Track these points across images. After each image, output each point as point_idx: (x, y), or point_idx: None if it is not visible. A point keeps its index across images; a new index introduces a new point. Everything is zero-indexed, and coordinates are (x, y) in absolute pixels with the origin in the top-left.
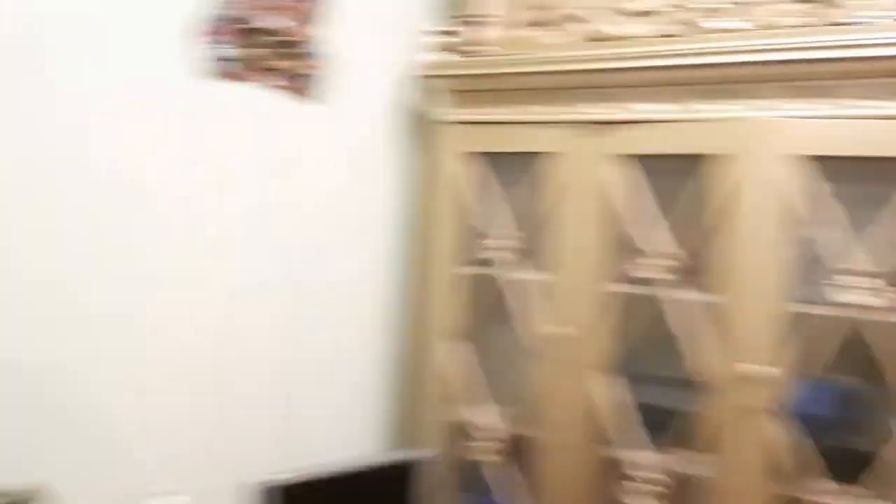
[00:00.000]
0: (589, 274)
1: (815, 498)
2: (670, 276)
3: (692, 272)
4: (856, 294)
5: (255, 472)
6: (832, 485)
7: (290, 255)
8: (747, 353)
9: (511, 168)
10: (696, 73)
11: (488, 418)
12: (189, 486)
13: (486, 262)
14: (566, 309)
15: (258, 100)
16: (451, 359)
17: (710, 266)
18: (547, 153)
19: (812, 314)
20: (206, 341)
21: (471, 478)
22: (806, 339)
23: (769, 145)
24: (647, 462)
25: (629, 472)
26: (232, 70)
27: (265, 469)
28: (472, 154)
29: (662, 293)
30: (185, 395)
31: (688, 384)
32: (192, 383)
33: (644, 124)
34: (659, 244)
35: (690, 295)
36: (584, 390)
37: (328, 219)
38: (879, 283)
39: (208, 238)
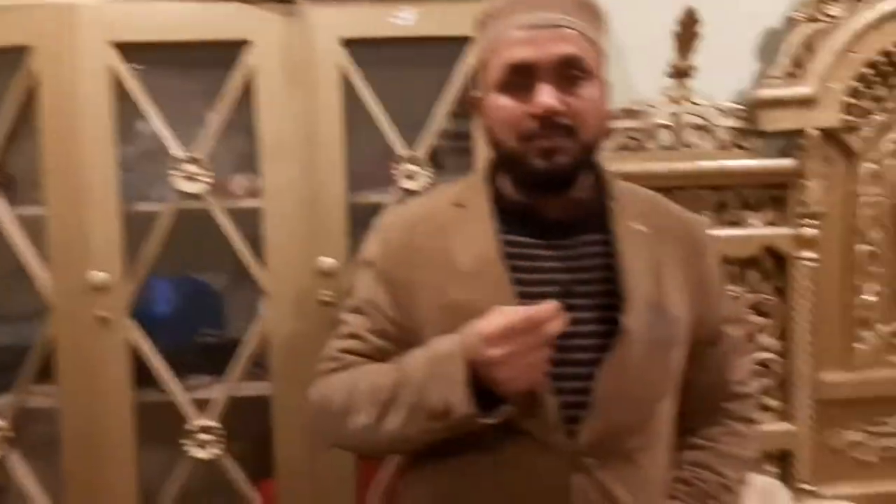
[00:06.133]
0: None
1: (193, 395)
2: None
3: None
4: (189, 184)
5: None
6: (205, 378)
7: None
8: (94, 262)
9: None
10: None
11: None
12: None
13: None
14: None
15: None
16: None
17: (25, 174)
18: None
19: (153, 210)
20: None
21: None
22: (151, 236)
23: (77, 34)
24: None
25: None
26: None
27: None
28: None
29: None
30: None
31: (39, 313)
32: None
33: None
34: None
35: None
36: None
37: None
38: (202, 169)
39: None
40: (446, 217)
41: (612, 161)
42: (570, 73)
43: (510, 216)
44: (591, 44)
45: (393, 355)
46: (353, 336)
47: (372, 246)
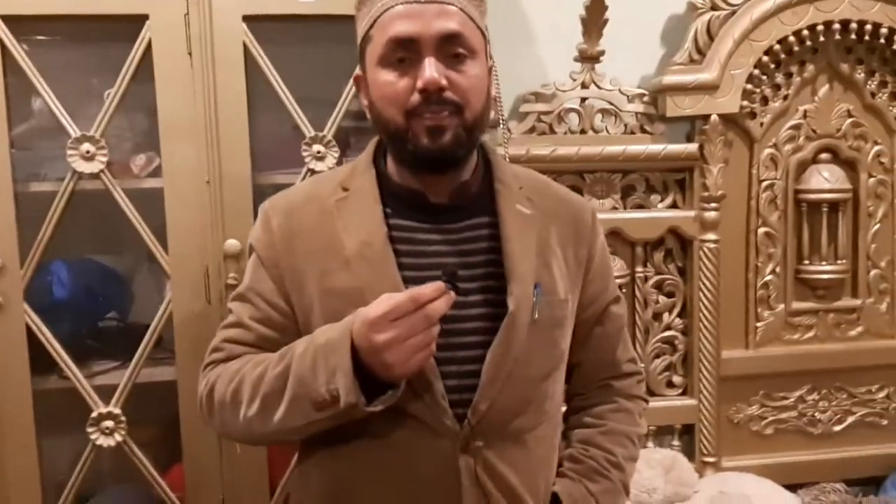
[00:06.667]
0: None
1: (96, 381)
2: None
3: None
4: (86, 163)
5: None
6: (108, 364)
7: None
8: None
9: None
10: None
11: None
12: None
13: None
14: None
15: None
16: None
17: None
18: None
19: (49, 191)
20: None
21: None
22: (48, 218)
23: None
24: None
25: None
26: None
27: None
28: None
29: None
30: None
31: None
32: None
33: None
34: None
35: None
36: None
37: None
38: (99, 147)
39: None
40: (332, 201)
41: (521, 144)
42: (453, 49)
43: (397, 200)
44: (473, 23)
45: (279, 343)
46: (237, 325)
47: (255, 231)
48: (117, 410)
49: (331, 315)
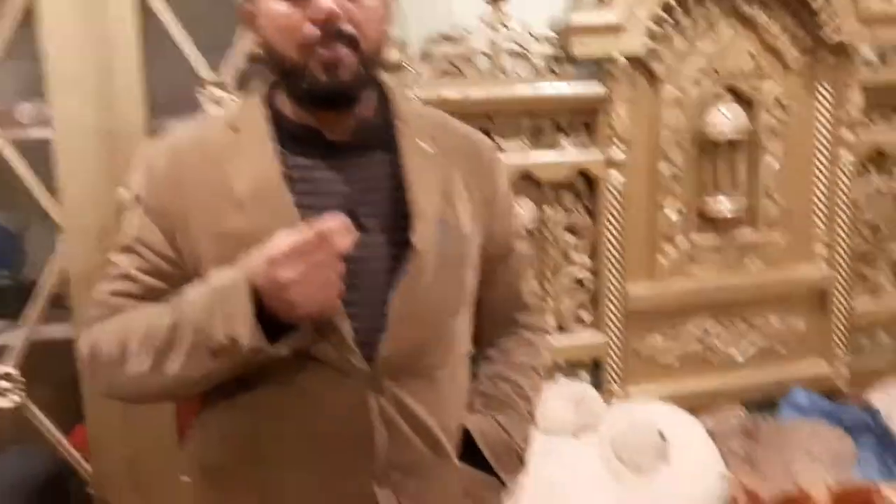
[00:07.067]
0: None
1: None
2: None
3: None
4: None
5: None
6: (3, 322)
7: None
8: None
9: None
10: None
11: None
12: None
13: None
14: None
15: None
16: None
17: None
18: None
19: None
20: None
21: None
22: None
23: None
24: None
25: None
26: None
27: None
28: None
29: None
30: None
31: None
32: None
33: None
34: None
35: None
36: None
37: None
38: None
39: None
40: (220, 142)
41: (431, 87)
42: None
43: (291, 138)
44: None
45: (168, 295)
46: (123, 277)
47: (137, 178)
48: (14, 371)
49: (224, 261)
